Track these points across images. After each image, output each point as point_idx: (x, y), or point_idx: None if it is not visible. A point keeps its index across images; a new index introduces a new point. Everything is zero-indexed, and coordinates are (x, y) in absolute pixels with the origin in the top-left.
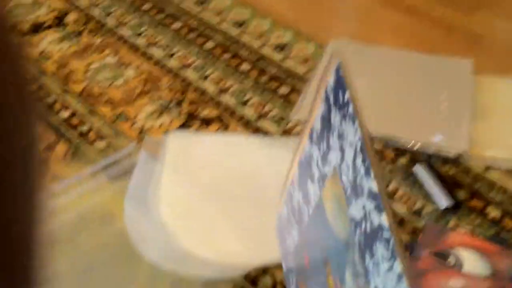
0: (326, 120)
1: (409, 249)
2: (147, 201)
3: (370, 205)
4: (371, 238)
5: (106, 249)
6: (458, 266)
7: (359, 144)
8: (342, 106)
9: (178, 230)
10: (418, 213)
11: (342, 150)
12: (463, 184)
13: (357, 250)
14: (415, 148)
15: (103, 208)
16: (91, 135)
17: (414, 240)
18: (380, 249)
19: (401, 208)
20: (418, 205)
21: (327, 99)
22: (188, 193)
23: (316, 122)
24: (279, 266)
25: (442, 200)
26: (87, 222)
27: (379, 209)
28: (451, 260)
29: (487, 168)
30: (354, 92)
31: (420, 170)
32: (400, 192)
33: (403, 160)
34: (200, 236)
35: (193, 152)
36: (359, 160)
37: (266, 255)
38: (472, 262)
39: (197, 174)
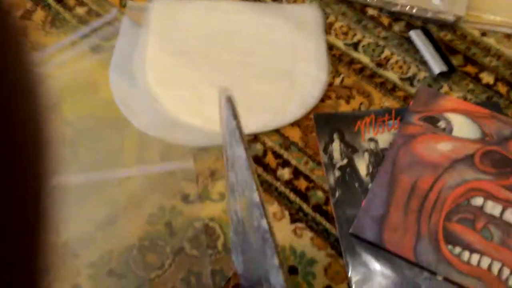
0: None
1: (400, 116)
2: (133, 70)
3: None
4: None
5: (93, 118)
6: (448, 130)
7: (246, 164)
8: (233, 133)
9: (165, 98)
10: (411, 79)
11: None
12: (459, 50)
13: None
14: (412, 12)
15: (86, 77)
16: (71, 0)
17: (405, 106)
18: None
19: (393, 75)
20: (411, 71)
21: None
22: (175, 60)
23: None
24: (269, 133)
25: (436, 66)
26: (71, 91)
27: (261, 215)
28: (442, 124)
29: (483, 33)
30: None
31: (415, 36)
32: (394, 58)
33: (398, 26)
34: (188, 103)
35: (178, 18)
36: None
37: (255, 122)
38: (463, 126)
39: (183, 40)
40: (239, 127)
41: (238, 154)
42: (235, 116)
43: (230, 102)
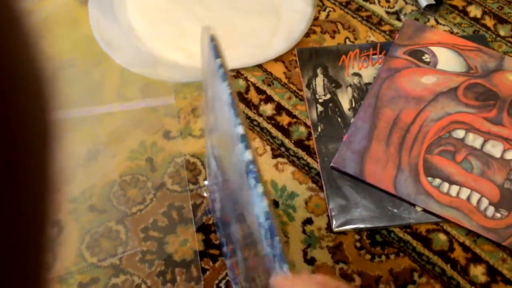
0: None
1: (385, 50)
2: (113, 4)
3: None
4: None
5: (74, 53)
6: (433, 64)
7: (229, 100)
8: (215, 71)
9: (146, 34)
10: (397, 13)
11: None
12: None
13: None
14: None
15: (66, 13)
16: None
17: (391, 41)
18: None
19: (380, 9)
20: (398, 5)
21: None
22: None
23: None
24: (252, 69)
25: None
26: (50, 26)
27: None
28: (427, 57)
29: None
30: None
31: None
32: None
33: None
34: (169, 39)
35: None
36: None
37: (239, 57)
38: (448, 59)
39: None
40: (223, 64)
41: (220, 94)
42: (218, 54)
43: (214, 42)
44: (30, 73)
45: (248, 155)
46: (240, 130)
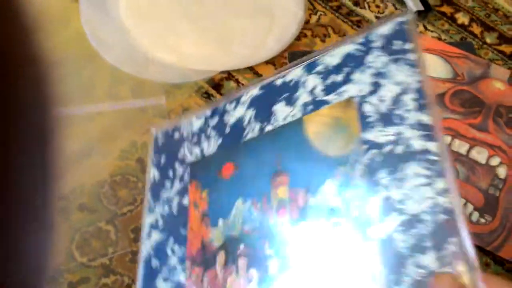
0: (352, 57)
1: None
2: (105, 2)
3: (413, 133)
4: (400, 158)
5: (65, 51)
6: None
7: (415, 86)
8: (396, 52)
9: (138, 33)
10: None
11: (375, 85)
12: None
13: (362, 167)
14: None
15: (57, 9)
16: None
17: None
18: (413, 168)
19: (370, 14)
20: (388, 10)
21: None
22: None
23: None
24: (242, 71)
25: (413, 4)
26: (40, 23)
27: (429, 138)
28: None
29: None
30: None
31: None
32: None
33: None
34: (162, 39)
35: None
36: (408, 97)
37: (230, 60)
38: (435, 65)
39: None
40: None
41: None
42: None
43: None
44: (31, 68)
45: (432, 147)
46: (426, 120)
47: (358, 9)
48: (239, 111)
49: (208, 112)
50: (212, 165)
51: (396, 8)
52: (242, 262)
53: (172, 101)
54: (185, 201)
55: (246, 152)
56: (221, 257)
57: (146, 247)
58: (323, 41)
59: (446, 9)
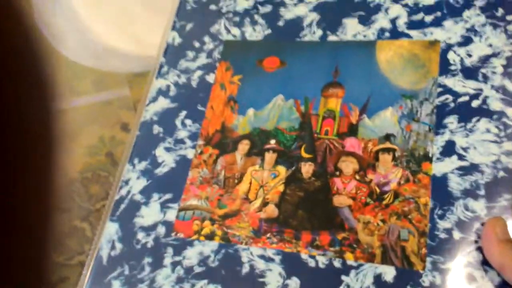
0: (449, 6)
1: None
2: None
3: (493, 94)
4: (474, 111)
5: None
6: None
7: (508, 54)
8: (496, 18)
9: (94, 23)
10: None
11: (467, 38)
12: None
13: (431, 106)
14: None
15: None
16: None
17: None
18: (485, 124)
19: None
20: None
21: None
22: None
23: None
24: None
25: None
26: None
27: (508, 103)
28: None
29: None
30: None
31: None
32: None
33: None
34: (119, 28)
35: None
36: (498, 61)
37: None
38: None
39: None
40: None
41: None
42: None
43: None
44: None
45: None
46: None
47: None
48: (300, 10)
49: None
50: (252, 52)
51: None
52: (270, 156)
53: (137, 91)
54: (210, 78)
55: (300, 53)
56: (244, 145)
57: (149, 112)
58: None
59: None
